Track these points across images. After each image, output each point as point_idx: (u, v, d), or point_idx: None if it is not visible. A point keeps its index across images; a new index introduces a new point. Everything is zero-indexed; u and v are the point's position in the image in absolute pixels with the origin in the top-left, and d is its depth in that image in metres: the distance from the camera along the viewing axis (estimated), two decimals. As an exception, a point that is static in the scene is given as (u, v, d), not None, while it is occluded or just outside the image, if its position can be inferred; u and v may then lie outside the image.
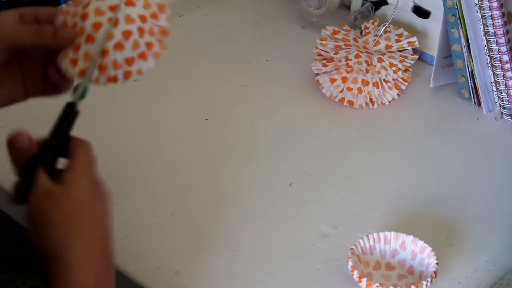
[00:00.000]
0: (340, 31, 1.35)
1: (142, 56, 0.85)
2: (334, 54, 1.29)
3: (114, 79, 0.85)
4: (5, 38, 0.83)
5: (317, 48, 1.32)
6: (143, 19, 0.85)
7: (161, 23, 0.86)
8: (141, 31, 0.84)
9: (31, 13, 0.85)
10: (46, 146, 0.81)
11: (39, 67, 0.88)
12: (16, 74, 0.87)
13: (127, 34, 0.84)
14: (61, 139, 0.81)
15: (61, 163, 0.83)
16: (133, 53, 0.84)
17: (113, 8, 0.83)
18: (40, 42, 0.84)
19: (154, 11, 0.86)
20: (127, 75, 0.85)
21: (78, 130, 1.21)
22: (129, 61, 0.84)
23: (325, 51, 1.30)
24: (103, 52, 0.83)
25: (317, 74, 1.29)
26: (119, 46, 0.84)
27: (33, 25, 0.85)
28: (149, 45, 0.85)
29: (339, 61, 1.28)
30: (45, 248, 0.77)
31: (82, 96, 0.83)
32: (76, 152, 0.81)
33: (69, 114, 0.82)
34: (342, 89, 1.27)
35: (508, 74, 1.22)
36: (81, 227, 0.77)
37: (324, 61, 1.29)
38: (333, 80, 1.27)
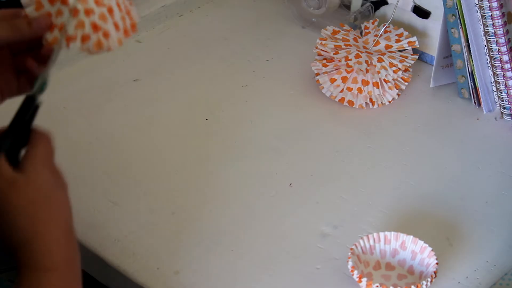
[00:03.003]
0: (340, 31, 1.35)
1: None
2: (334, 54, 1.29)
3: (85, 39, 0.84)
4: None
5: (317, 48, 1.32)
6: None
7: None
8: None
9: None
10: (4, 134, 0.81)
11: (8, 66, 0.87)
12: None
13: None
14: (23, 131, 0.82)
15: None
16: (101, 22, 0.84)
17: None
18: (16, 35, 0.83)
19: None
20: (85, 38, 0.84)
21: (78, 130, 1.22)
22: (96, 27, 0.84)
23: (325, 51, 1.30)
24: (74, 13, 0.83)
25: (317, 74, 1.29)
26: (90, 12, 0.84)
27: (4, 21, 0.83)
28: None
29: (339, 61, 1.28)
30: (13, 237, 0.78)
31: (42, 89, 0.83)
32: (34, 142, 0.81)
33: (28, 106, 0.82)
34: (342, 89, 1.27)
35: (508, 74, 1.22)
36: (48, 214, 0.78)
37: (324, 61, 1.29)
38: (333, 80, 1.27)
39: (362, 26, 1.37)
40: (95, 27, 0.84)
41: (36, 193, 0.79)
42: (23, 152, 0.82)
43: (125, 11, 0.86)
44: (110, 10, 0.84)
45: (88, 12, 0.83)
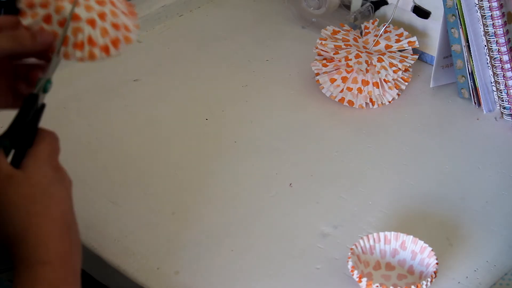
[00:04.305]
0: (340, 31, 1.35)
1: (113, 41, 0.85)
2: (334, 54, 1.29)
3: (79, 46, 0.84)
4: None
5: (317, 48, 1.32)
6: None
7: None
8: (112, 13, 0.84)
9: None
10: (5, 132, 0.81)
11: (7, 80, 0.87)
12: None
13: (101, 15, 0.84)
14: (27, 130, 0.82)
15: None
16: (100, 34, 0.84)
17: None
18: (18, 47, 0.82)
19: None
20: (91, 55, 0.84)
21: (78, 130, 1.22)
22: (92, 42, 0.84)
23: (325, 51, 1.30)
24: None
25: (317, 74, 1.29)
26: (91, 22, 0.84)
27: (8, 31, 0.83)
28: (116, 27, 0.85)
29: (339, 61, 1.28)
30: (8, 231, 0.78)
31: (45, 89, 0.83)
32: (38, 141, 0.82)
33: (31, 105, 0.82)
34: (342, 89, 1.27)
35: (508, 74, 1.22)
36: (42, 208, 0.79)
37: (324, 61, 1.29)
38: (333, 80, 1.27)
39: (362, 26, 1.37)
40: (90, 41, 0.84)
41: (31, 188, 0.79)
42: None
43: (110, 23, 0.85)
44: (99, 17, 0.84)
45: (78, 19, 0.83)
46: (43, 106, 0.83)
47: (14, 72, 0.87)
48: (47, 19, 0.84)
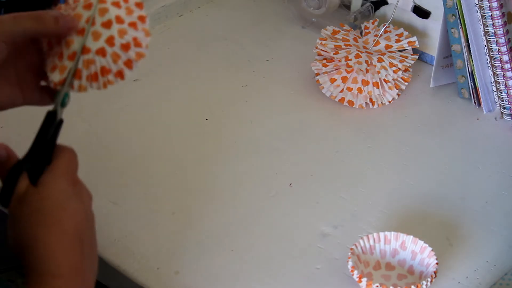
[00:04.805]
0: (340, 31, 1.35)
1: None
2: (334, 54, 1.29)
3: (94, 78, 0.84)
4: (5, 29, 0.81)
5: (317, 48, 1.32)
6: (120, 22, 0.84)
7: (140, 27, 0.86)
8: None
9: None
10: (27, 154, 0.81)
11: (34, 76, 0.87)
12: (13, 79, 0.87)
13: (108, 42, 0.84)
14: (46, 147, 0.82)
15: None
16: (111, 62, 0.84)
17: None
18: (41, 28, 0.83)
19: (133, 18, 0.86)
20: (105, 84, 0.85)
21: (78, 130, 1.22)
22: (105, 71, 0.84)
23: (325, 51, 1.30)
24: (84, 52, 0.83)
25: (317, 74, 1.29)
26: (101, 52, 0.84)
27: (32, 12, 0.83)
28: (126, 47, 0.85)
29: (339, 61, 1.28)
30: (21, 243, 0.78)
31: (63, 104, 0.83)
32: (56, 157, 0.82)
33: (51, 122, 0.82)
34: (342, 89, 1.27)
35: (508, 74, 1.22)
36: (52, 220, 0.78)
37: (324, 61, 1.29)
38: (333, 80, 1.27)
39: (362, 26, 1.37)
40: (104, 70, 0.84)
41: (44, 201, 0.79)
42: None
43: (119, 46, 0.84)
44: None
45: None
46: (61, 121, 0.84)
47: (41, 69, 0.87)
48: (60, 56, 0.84)
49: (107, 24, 0.83)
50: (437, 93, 1.31)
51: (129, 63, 0.84)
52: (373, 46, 1.32)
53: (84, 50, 0.83)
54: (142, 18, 0.85)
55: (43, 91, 0.88)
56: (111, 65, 0.83)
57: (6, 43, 0.82)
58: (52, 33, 0.84)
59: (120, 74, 0.84)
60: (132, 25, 0.84)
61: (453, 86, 1.31)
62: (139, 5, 0.85)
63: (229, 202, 1.11)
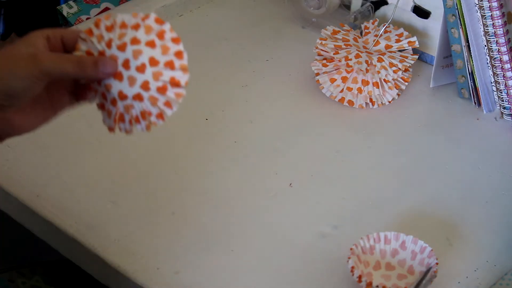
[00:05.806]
0: (340, 31, 1.35)
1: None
2: (334, 54, 1.29)
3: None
4: (46, 70, 0.81)
5: (317, 48, 1.32)
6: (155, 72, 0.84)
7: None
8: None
9: (56, 36, 0.84)
10: None
11: (66, 94, 0.88)
12: (47, 104, 0.87)
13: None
14: None
15: None
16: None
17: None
18: (80, 73, 0.83)
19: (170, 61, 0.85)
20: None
21: (78, 130, 1.22)
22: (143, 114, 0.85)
23: (325, 51, 1.30)
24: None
25: (317, 74, 1.29)
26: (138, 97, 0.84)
27: (72, 56, 0.84)
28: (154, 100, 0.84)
29: (339, 61, 1.28)
30: None
31: None
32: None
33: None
34: (342, 89, 1.27)
35: (508, 74, 1.22)
36: None
37: (324, 61, 1.29)
38: (333, 80, 1.27)
39: (362, 26, 1.37)
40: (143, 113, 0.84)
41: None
42: None
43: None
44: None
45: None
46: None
47: (71, 87, 0.89)
48: (103, 96, 0.85)
49: (141, 69, 0.82)
50: (437, 93, 1.31)
51: (168, 104, 0.83)
52: (373, 46, 1.32)
53: (121, 95, 0.83)
54: (179, 54, 0.84)
55: (72, 100, 0.89)
56: (150, 108, 0.83)
57: (43, 81, 0.82)
58: (91, 78, 0.85)
59: (161, 116, 0.84)
60: (168, 64, 0.83)
61: (453, 86, 1.31)
62: (175, 40, 0.84)
63: (229, 202, 1.11)
